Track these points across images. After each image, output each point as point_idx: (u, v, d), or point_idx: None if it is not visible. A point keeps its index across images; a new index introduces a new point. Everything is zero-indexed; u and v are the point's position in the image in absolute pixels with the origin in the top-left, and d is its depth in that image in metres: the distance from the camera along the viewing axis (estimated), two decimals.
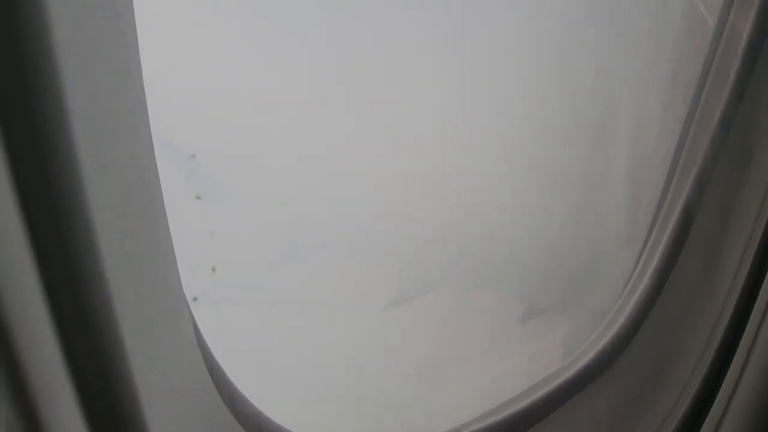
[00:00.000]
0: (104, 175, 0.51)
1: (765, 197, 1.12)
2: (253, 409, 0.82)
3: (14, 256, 0.43)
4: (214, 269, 1.90)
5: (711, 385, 1.20)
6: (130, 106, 0.54)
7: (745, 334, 1.16)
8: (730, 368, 1.17)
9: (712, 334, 1.21)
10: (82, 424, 0.50)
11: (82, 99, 0.46)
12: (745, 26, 1.08)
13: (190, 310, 0.67)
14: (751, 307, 1.15)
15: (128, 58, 0.53)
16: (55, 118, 0.43)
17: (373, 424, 1.91)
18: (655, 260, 1.21)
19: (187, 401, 0.65)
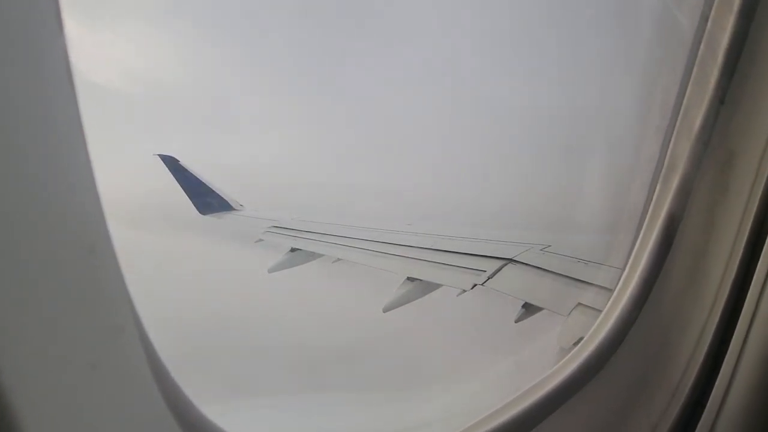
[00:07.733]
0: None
1: (748, 200, 1.12)
2: (208, 422, 0.80)
3: None
4: None
5: (702, 389, 1.20)
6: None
7: (734, 336, 1.15)
8: (721, 371, 1.17)
9: (700, 337, 1.20)
10: None
11: None
12: (725, 31, 1.07)
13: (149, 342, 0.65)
14: (739, 309, 1.15)
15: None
16: None
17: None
18: (642, 265, 1.21)
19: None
